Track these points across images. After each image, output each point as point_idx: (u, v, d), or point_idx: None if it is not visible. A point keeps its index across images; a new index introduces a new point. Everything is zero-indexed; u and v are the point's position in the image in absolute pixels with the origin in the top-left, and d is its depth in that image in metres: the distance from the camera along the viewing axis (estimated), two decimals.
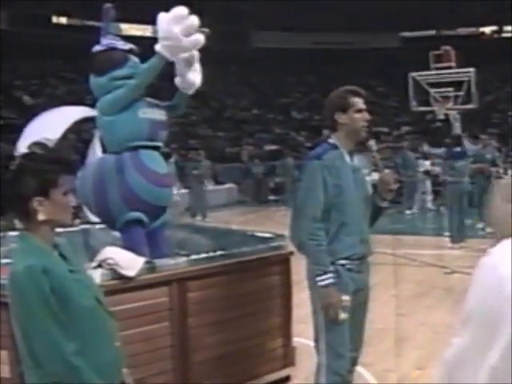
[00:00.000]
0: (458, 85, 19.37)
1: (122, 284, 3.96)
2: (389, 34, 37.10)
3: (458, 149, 11.96)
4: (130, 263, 4.06)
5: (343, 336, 3.63)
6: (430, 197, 18.30)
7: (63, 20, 34.76)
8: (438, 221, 15.60)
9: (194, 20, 4.67)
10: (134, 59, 4.98)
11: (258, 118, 32.80)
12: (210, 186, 21.28)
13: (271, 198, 22.74)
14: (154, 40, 4.77)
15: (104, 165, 4.90)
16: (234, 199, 22.55)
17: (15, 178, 2.19)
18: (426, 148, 20.35)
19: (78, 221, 5.67)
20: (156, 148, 4.97)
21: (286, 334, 4.98)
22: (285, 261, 4.96)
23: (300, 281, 3.82)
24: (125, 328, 3.53)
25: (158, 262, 4.36)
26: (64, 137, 6.33)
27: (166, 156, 5.55)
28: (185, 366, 4.33)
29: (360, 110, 3.81)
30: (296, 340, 5.05)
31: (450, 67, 19.68)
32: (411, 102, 20.77)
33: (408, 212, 17.18)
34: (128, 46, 5.01)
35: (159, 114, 4.96)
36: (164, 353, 4.24)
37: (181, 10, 4.65)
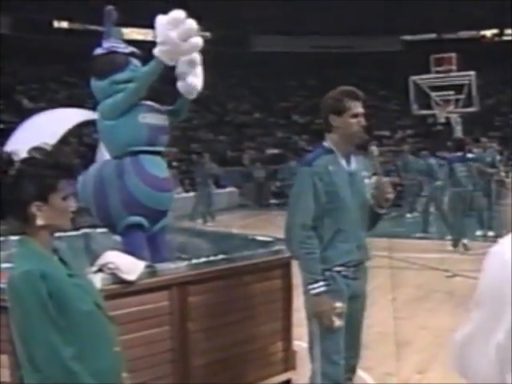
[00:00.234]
0: (458, 88, 19.40)
1: (122, 288, 3.95)
2: (389, 37, 37.15)
3: (460, 153, 11.95)
4: (131, 267, 4.06)
5: (338, 343, 3.57)
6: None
7: (64, 24, 34.83)
8: (439, 224, 15.61)
9: (192, 23, 4.66)
10: (136, 63, 4.98)
11: (259, 121, 32.84)
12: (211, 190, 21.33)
13: (272, 201, 22.75)
14: (155, 44, 4.78)
15: (104, 169, 4.90)
16: (236, 203, 22.56)
17: (14, 183, 2.20)
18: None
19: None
20: (157, 153, 4.97)
21: (287, 337, 4.98)
22: (285, 265, 4.96)
23: (300, 285, 3.81)
24: (125, 332, 3.53)
25: (159, 266, 4.36)
26: (66, 141, 6.32)
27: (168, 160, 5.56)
28: (185, 370, 4.33)
29: (356, 115, 3.64)
30: (297, 344, 5.04)
31: (450, 71, 19.70)
32: (412, 106, 20.81)
33: (409, 215, 17.16)
34: (129, 49, 5.01)
35: (160, 119, 4.95)
36: (164, 357, 4.23)
37: (178, 14, 4.64)
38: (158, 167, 4.92)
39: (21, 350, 2.13)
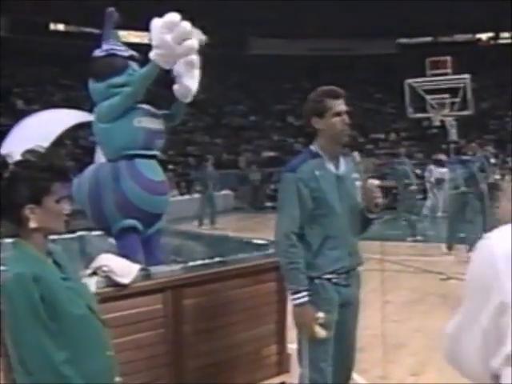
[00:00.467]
0: (454, 91, 19.45)
1: (116, 291, 3.96)
2: (386, 40, 37.23)
3: (460, 157, 11.95)
4: (125, 270, 4.07)
5: (326, 351, 3.48)
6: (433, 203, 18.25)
7: (61, 27, 34.82)
8: (434, 227, 15.64)
9: (186, 26, 4.67)
10: (134, 67, 4.98)
11: (255, 124, 32.86)
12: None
13: (268, 204, 22.72)
14: (151, 47, 4.79)
15: (100, 172, 4.91)
16: (231, 205, 22.56)
17: (8, 186, 2.20)
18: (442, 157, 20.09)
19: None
20: (153, 156, 4.98)
21: (281, 340, 4.99)
22: (280, 268, 4.96)
23: None
24: (119, 335, 3.54)
25: (153, 269, 4.37)
26: (61, 143, 6.32)
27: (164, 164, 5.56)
28: (179, 373, 4.34)
29: (338, 114, 3.47)
30: (290, 347, 5.05)
31: (445, 74, 19.75)
32: (407, 109, 20.83)
33: (404, 218, 17.15)
34: (129, 52, 5.01)
35: (156, 123, 4.96)
36: (158, 360, 4.24)
37: (172, 17, 4.64)
38: (154, 171, 4.93)
39: (13, 353, 2.14)
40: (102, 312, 2.43)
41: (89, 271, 3.96)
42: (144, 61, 4.94)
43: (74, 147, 21.66)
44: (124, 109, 4.76)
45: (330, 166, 3.52)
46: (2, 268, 2.20)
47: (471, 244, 11.36)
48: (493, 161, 14.09)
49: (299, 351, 3.58)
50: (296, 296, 3.38)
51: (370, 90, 35.59)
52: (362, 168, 3.68)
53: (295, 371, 4.92)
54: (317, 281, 3.45)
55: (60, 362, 2.12)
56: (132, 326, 4.04)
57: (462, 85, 19.32)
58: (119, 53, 4.98)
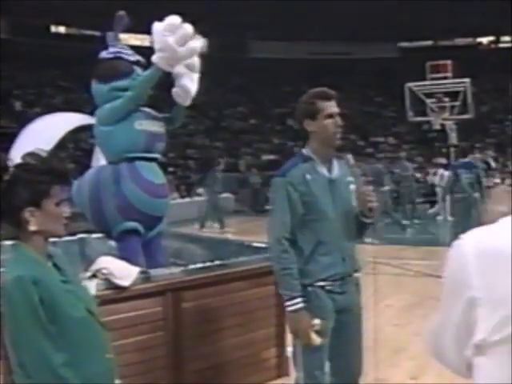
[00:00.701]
0: (454, 95, 19.47)
1: (116, 294, 3.96)
2: (386, 44, 37.24)
3: (466, 160, 11.92)
4: (125, 273, 4.07)
5: (320, 359, 3.40)
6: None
7: (61, 29, 34.84)
8: (435, 230, 15.66)
9: (188, 28, 4.68)
10: (139, 71, 4.97)
11: (255, 127, 32.88)
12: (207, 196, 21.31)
13: (268, 207, 22.70)
14: (152, 50, 4.79)
15: (101, 175, 4.92)
16: (231, 209, 22.55)
17: (8, 189, 2.20)
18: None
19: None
20: (153, 159, 4.98)
21: (280, 343, 4.99)
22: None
23: None
24: (119, 338, 3.54)
25: (153, 271, 4.37)
26: (62, 146, 6.34)
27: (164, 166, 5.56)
28: (179, 375, 4.33)
29: (330, 115, 3.38)
30: (290, 350, 5.05)
31: (445, 78, 19.78)
32: (408, 113, 20.85)
33: (404, 222, 17.18)
34: (135, 57, 5.00)
35: (157, 126, 4.96)
36: (158, 363, 4.24)
37: (174, 20, 4.65)
38: (155, 173, 4.93)
39: (12, 355, 2.14)
40: (102, 314, 2.43)
41: (88, 274, 3.96)
42: (147, 65, 4.95)
43: (75, 150, 21.68)
44: (126, 112, 4.77)
45: (323, 170, 3.43)
46: (2, 270, 2.20)
47: None
48: (493, 165, 14.09)
49: (294, 356, 3.53)
50: (290, 302, 3.29)
51: (371, 93, 35.64)
52: (356, 171, 3.56)
53: (294, 375, 4.93)
54: (310, 288, 3.35)
55: (59, 364, 2.12)
56: (131, 329, 4.04)
57: (462, 88, 19.35)
58: (125, 57, 4.98)
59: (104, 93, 4.87)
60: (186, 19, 4.69)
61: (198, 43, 4.78)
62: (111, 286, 3.97)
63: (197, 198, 21.18)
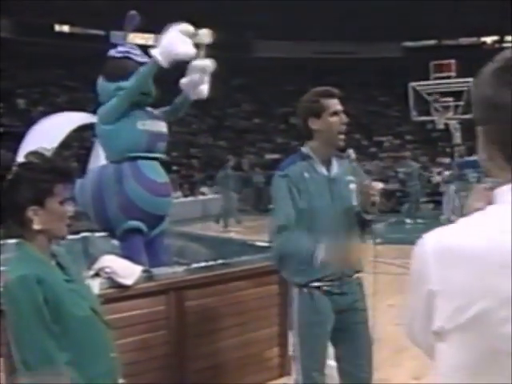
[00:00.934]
0: (458, 95, 19.43)
1: (119, 292, 3.97)
2: (391, 43, 37.19)
3: (472, 158, 11.88)
4: (128, 272, 4.08)
5: (318, 361, 3.35)
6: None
7: (66, 28, 34.87)
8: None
9: (190, 28, 4.69)
10: None
11: (259, 127, 32.88)
12: (209, 195, 21.33)
13: (272, 206, 22.68)
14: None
15: (103, 174, 4.92)
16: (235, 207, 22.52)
17: (11, 187, 2.21)
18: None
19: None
20: (155, 159, 4.99)
21: (283, 343, 4.97)
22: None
23: None
24: (121, 336, 3.54)
25: (156, 270, 4.37)
26: (67, 145, 6.36)
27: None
28: (181, 374, 4.34)
29: (335, 113, 3.36)
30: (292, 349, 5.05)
31: (449, 77, 19.74)
32: (411, 112, 20.82)
33: (408, 221, 17.18)
34: (144, 59, 4.99)
35: (159, 126, 4.97)
36: (161, 361, 4.24)
37: (187, 27, 4.66)
38: (157, 172, 4.94)
39: (15, 354, 2.14)
40: (104, 313, 2.43)
41: (91, 272, 3.96)
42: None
43: (79, 149, 21.71)
44: (124, 109, 4.76)
45: (321, 169, 3.40)
46: (5, 269, 2.21)
47: None
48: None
49: (293, 356, 3.47)
50: (316, 254, 3.10)
51: (374, 92, 35.61)
52: (358, 167, 3.55)
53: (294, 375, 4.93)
54: (305, 289, 3.30)
55: (62, 363, 2.13)
56: (134, 328, 4.04)
57: (466, 88, 19.30)
58: (134, 57, 4.97)
59: (110, 91, 4.87)
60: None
61: (192, 48, 4.77)
62: (114, 284, 3.98)
63: (200, 197, 21.22)
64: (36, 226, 2.21)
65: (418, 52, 35.96)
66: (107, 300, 3.30)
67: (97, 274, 3.96)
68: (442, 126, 20.39)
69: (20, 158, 2.34)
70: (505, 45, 37.80)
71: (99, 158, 5.75)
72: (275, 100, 34.51)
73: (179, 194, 20.24)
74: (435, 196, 19.19)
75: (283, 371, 4.95)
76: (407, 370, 5.47)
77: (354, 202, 3.41)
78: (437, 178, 18.89)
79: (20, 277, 2.13)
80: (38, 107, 25.25)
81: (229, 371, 4.59)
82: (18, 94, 27.75)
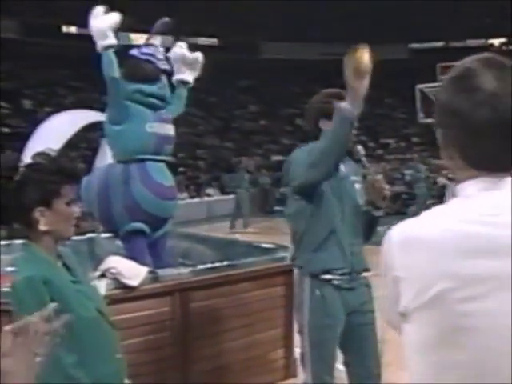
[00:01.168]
0: None
1: (124, 293, 3.97)
2: (397, 45, 37.13)
3: None
4: (133, 273, 4.08)
5: (329, 364, 3.35)
6: None
7: (73, 29, 34.93)
8: None
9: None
10: (164, 81, 5.03)
11: (265, 128, 32.85)
12: (215, 196, 21.33)
13: (277, 208, 22.67)
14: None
15: (110, 173, 4.92)
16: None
17: (18, 188, 2.22)
18: None
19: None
20: (161, 161, 4.99)
21: (288, 344, 4.98)
22: (287, 272, 4.93)
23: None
24: (127, 337, 3.54)
25: (161, 271, 4.38)
26: (73, 145, 6.38)
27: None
28: (186, 376, 4.34)
29: None
30: (298, 351, 5.04)
31: None
32: (418, 114, 20.79)
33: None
34: (165, 66, 5.02)
35: (166, 129, 4.98)
36: (166, 362, 4.24)
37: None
38: (164, 175, 4.94)
39: None
40: (110, 314, 2.44)
41: (97, 273, 3.97)
42: (171, 72, 5.08)
43: (87, 150, 21.75)
44: (131, 111, 4.80)
45: None
46: (11, 269, 2.21)
47: None
48: None
49: (302, 358, 3.46)
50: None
51: (381, 94, 35.52)
52: (366, 161, 3.53)
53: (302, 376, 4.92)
54: (316, 282, 3.31)
55: (69, 364, 2.13)
56: (139, 329, 4.04)
57: None
58: (156, 63, 4.97)
59: (128, 92, 4.83)
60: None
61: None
62: (120, 285, 3.98)
63: (206, 199, 21.22)
64: (42, 227, 2.21)
65: (424, 54, 35.89)
66: (112, 301, 3.30)
67: (103, 275, 3.97)
68: None
69: (26, 158, 2.34)
70: None
71: (106, 157, 5.75)
72: (281, 101, 34.48)
73: (185, 195, 20.25)
74: (442, 198, 19.13)
75: (288, 373, 4.95)
76: None
77: (360, 202, 3.43)
78: (443, 181, 18.80)
79: (26, 278, 2.13)
80: (45, 108, 25.26)
81: (233, 373, 4.59)
82: (24, 94, 27.78)
